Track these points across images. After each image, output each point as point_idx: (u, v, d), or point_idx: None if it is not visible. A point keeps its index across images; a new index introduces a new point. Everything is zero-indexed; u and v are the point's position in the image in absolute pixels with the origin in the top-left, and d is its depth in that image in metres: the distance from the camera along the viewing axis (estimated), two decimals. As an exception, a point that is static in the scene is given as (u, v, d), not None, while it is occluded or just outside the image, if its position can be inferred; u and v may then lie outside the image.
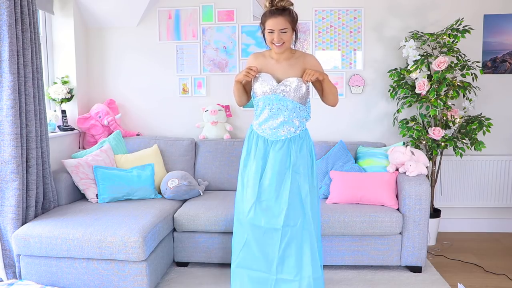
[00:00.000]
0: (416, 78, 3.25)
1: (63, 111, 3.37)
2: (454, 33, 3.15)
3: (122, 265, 2.36)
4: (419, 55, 3.22)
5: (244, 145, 2.35)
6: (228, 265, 2.91)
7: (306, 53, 2.33)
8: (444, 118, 3.26)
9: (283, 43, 2.17)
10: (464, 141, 3.26)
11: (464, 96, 3.31)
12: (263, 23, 2.22)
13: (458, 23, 3.18)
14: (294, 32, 2.25)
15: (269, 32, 2.18)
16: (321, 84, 2.28)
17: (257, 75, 2.24)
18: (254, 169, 2.23)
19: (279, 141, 2.23)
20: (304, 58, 2.27)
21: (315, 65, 2.27)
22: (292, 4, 2.20)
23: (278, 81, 2.22)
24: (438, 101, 3.12)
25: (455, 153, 3.23)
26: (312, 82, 2.26)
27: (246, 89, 2.39)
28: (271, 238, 2.18)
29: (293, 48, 2.31)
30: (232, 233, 2.76)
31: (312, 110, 2.89)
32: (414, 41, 3.27)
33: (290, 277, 2.18)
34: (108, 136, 3.43)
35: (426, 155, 3.31)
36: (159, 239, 2.54)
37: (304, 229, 2.19)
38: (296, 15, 2.23)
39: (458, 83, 3.24)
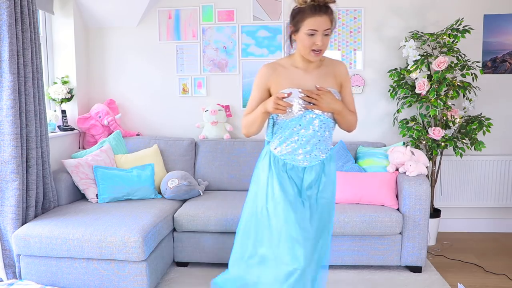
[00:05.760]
0: (416, 78, 3.25)
1: (63, 111, 3.37)
2: (454, 33, 3.15)
3: (122, 265, 2.36)
4: (419, 55, 3.22)
5: (269, 175, 1.86)
6: (227, 265, 2.91)
7: (334, 60, 1.92)
8: (444, 118, 3.26)
9: (320, 50, 1.75)
10: (464, 141, 3.26)
11: (464, 96, 3.31)
12: (298, 22, 1.73)
13: (458, 23, 3.18)
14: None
15: (310, 34, 1.70)
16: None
17: (284, 92, 1.77)
18: (291, 205, 1.81)
19: (313, 167, 1.85)
20: (334, 66, 1.88)
21: (346, 77, 1.90)
22: (334, 1, 1.72)
23: None
24: (438, 101, 3.12)
25: (455, 153, 3.23)
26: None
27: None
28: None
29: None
30: (231, 233, 2.77)
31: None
32: (414, 41, 3.27)
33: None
34: (108, 136, 3.43)
35: (426, 155, 3.31)
36: (159, 239, 2.54)
37: (327, 248, 1.94)
38: None
39: (458, 83, 3.23)
